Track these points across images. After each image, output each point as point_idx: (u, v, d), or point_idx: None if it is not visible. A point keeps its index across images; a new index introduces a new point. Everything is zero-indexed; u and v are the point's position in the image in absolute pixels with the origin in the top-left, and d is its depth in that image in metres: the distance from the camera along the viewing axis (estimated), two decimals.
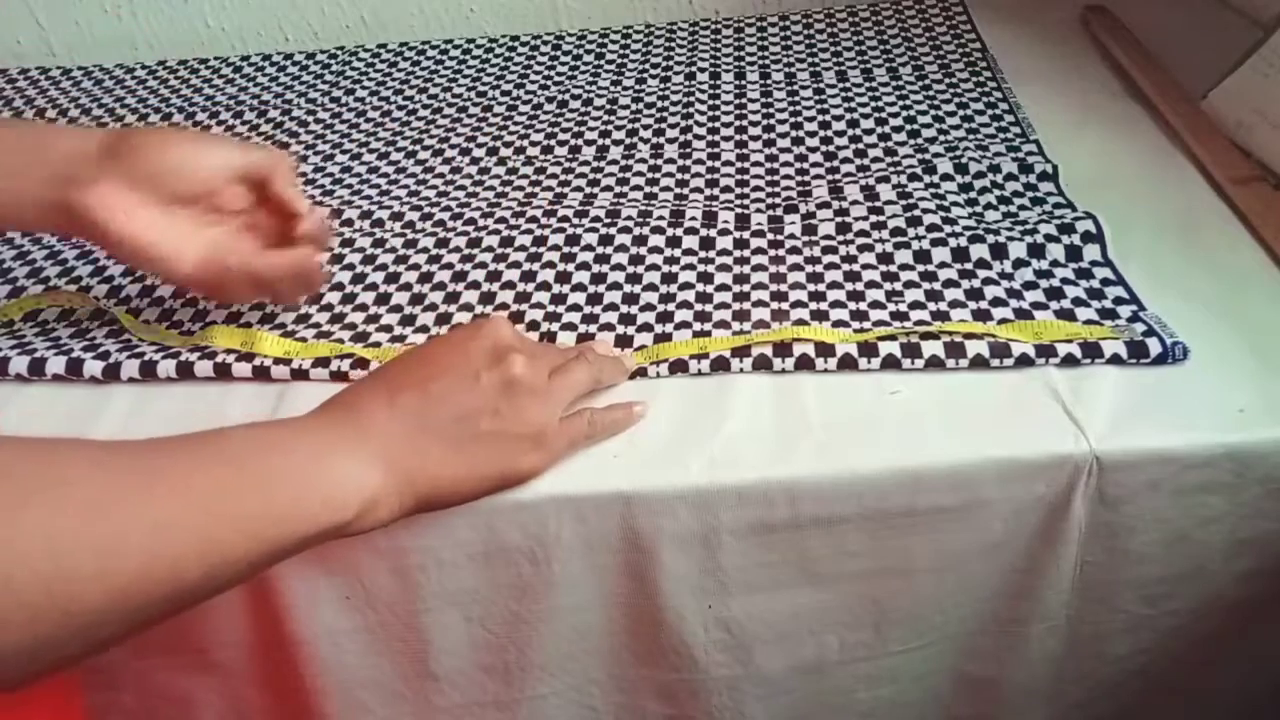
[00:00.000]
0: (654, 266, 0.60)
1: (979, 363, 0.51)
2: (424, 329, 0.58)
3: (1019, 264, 0.58)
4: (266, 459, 0.40)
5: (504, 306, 0.59)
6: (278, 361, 0.55)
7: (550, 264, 0.62)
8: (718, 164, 0.71)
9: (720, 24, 0.92)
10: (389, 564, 0.50)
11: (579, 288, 0.60)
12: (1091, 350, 0.51)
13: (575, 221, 0.65)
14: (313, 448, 0.41)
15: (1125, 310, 0.54)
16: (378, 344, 0.56)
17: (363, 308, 0.60)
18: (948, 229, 0.61)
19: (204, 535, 0.36)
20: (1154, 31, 0.81)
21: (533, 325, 0.57)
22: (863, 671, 0.56)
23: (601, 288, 0.59)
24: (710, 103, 0.79)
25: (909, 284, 0.57)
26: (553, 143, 0.76)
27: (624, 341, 0.55)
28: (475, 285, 0.61)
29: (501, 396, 0.45)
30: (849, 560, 0.51)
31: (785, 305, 0.56)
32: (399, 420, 0.43)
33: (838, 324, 0.54)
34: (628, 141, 0.75)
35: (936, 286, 0.57)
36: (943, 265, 0.58)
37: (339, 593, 0.51)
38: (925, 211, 0.62)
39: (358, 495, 0.41)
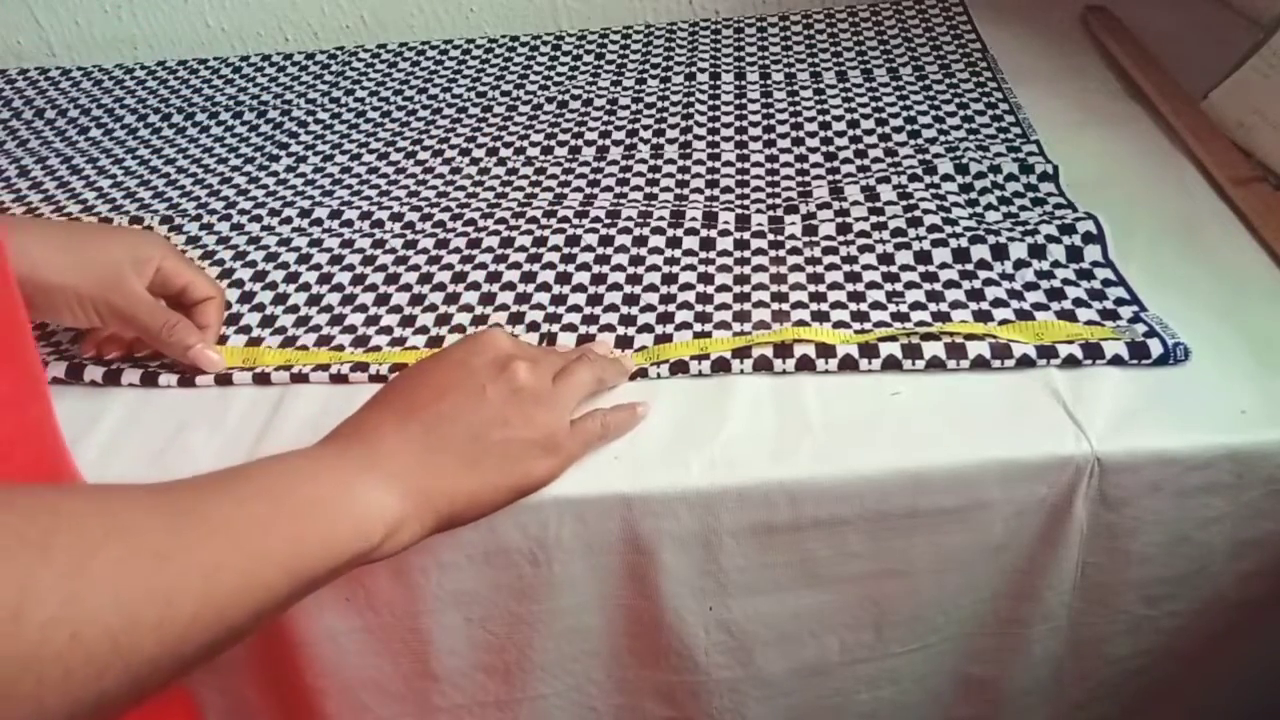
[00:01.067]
0: (654, 267, 0.60)
1: (980, 364, 0.51)
2: (424, 329, 0.58)
3: (1020, 265, 0.58)
4: (297, 491, 0.39)
5: (504, 307, 0.59)
6: (279, 368, 0.55)
7: (550, 265, 0.62)
8: (718, 164, 0.71)
9: (720, 24, 0.92)
10: (389, 565, 0.50)
11: (579, 288, 0.59)
12: (1093, 351, 0.51)
13: (575, 222, 0.65)
14: (336, 476, 0.41)
15: (1126, 311, 0.54)
16: (378, 348, 0.56)
17: (362, 309, 0.60)
18: (948, 229, 0.61)
19: (249, 575, 0.35)
20: (1154, 31, 0.81)
21: (533, 326, 0.57)
22: (864, 673, 0.56)
23: (602, 288, 0.59)
24: (710, 103, 0.79)
25: (910, 284, 0.57)
26: (553, 143, 0.75)
27: (624, 342, 0.55)
28: (475, 286, 0.61)
29: (509, 405, 0.45)
30: (850, 561, 0.51)
31: (785, 306, 0.56)
32: (412, 443, 0.43)
33: (838, 325, 0.54)
34: (628, 142, 0.75)
35: (937, 287, 0.57)
36: (944, 266, 0.58)
37: (340, 594, 0.51)
38: (926, 212, 0.62)
39: (382, 521, 0.40)
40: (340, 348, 0.56)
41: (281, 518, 0.37)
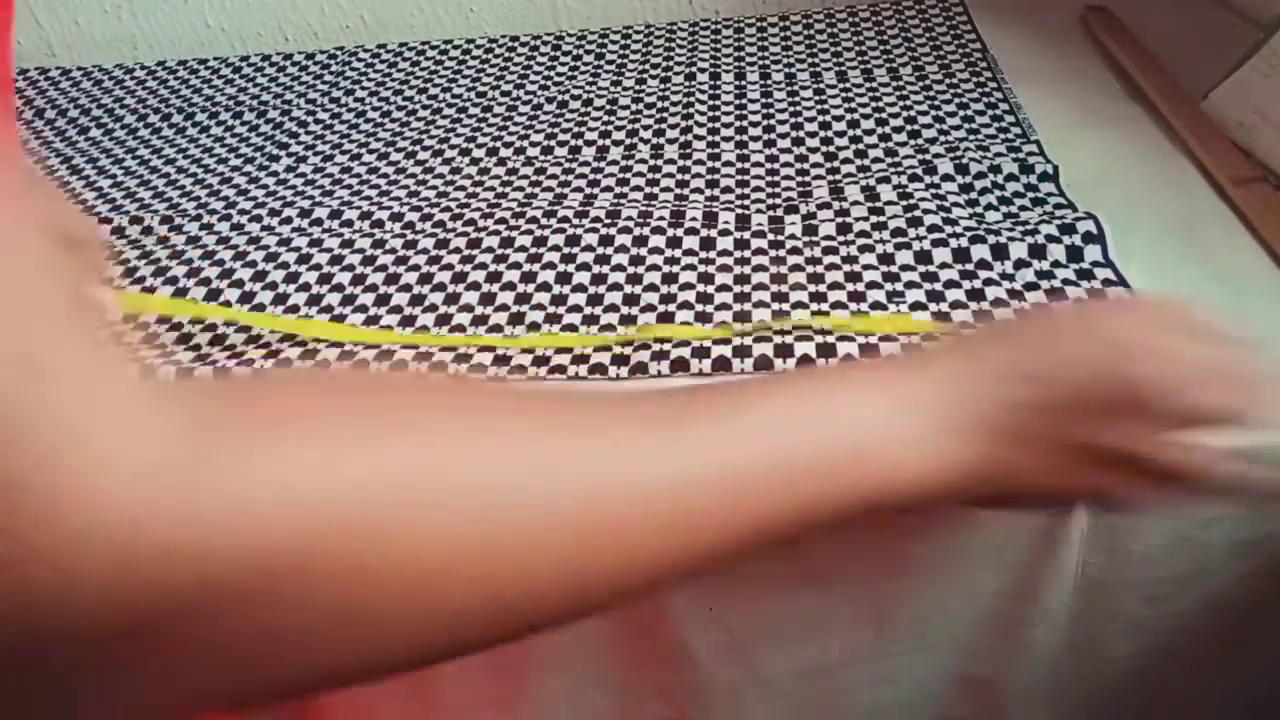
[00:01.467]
0: (654, 267, 0.60)
1: None
2: (424, 329, 0.58)
3: (1020, 265, 0.58)
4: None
5: (504, 308, 0.59)
6: (278, 365, 0.55)
7: (550, 265, 0.62)
8: (718, 164, 0.71)
9: (720, 24, 0.92)
10: None
11: (579, 288, 0.59)
12: None
13: (575, 222, 0.65)
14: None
15: None
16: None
17: (362, 309, 0.60)
18: (948, 229, 0.61)
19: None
20: (1154, 31, 0.81)
21: (533, 326, 0.57)
22: (864, 673, 0.56)
23: (602, 288, 0.59)
24: (710, 103, 0.79)
25: (910, 284, 0.57)
26: (552, 143, 0.75)
27: (624, 342, 0.55)
28: (475, 286, 0.61)
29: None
30: (850, 562, 0.51)
31: (786, 306, 0.56)
32: None
33: (839, 324, 0.54)
34: (628, 142, 0.75)
35: (937, 287, 0.57)
36: (944, 266, 0.58)
37: None
38: (926, 212, 0.62)
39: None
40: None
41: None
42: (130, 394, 0.22)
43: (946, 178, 0.66)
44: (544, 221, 0.66)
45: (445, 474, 0.24)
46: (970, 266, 0.58)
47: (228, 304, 0.62)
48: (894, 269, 0.59)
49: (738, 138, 0.74)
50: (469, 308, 0.59)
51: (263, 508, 0.22)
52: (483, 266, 0.62)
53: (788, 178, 0.69)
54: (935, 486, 0.33)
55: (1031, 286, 0.56)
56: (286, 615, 0.22)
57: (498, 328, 0.57)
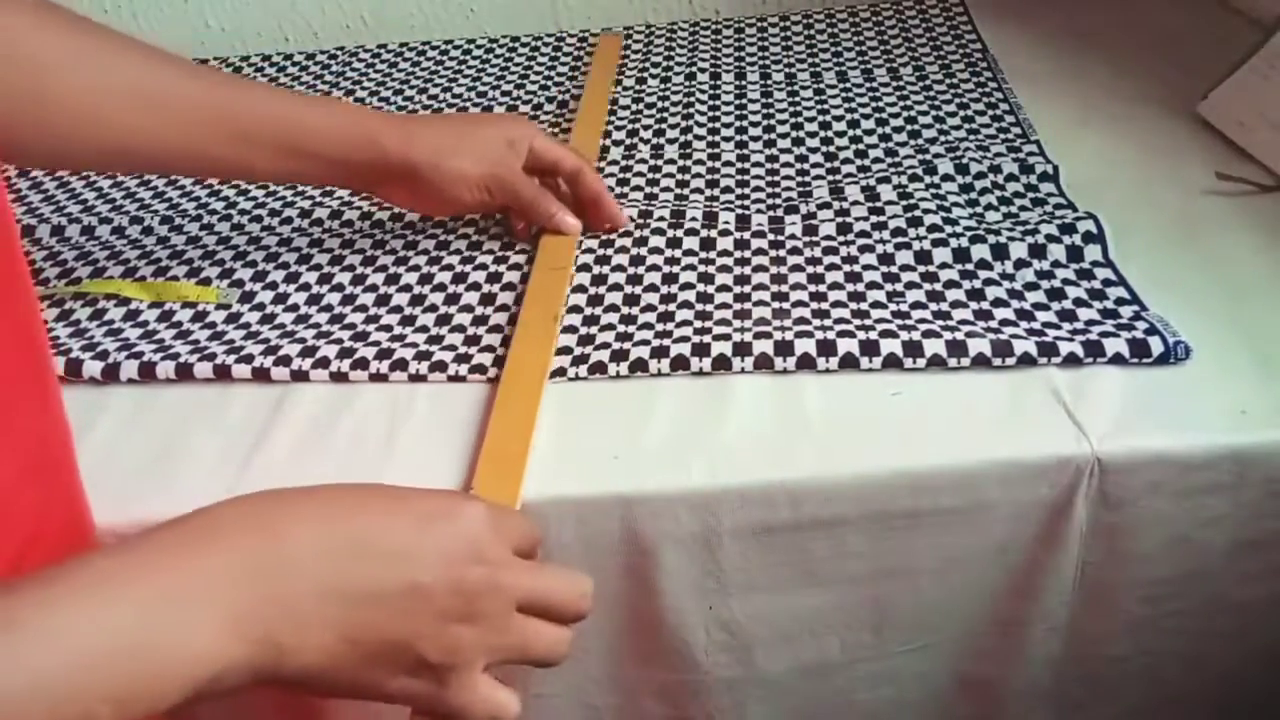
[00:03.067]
0: (654, 267, 0.60)
1: (980, 362, 0.51)
2: (424, 329, 0.58)
3: (1020, 264, 0.58)
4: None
5: (504, 308, 0.59)
6: (278, 363, 0.55)
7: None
8: (718, 164, 0.71)
9: (720, 24, 0.92)
10: None
11: (579, 289, 0.59)
12: (1094, 349, 0.51)
13: None
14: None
15: (1127, 311, 0.54)
16: (377, 342, 0.56)
17: (363, 309, 0.60)
18: (948, 229, 0.61)
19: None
20: (1154, 31, 0.81)
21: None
22: (864, 672, 0.56)
23: (602, 289, 0.59)
24: (710, 103, 0.79)
25: (910, 284, 0.57)
26: None
27: (624, 337, 0.55)
28: (475, 287, 0.61)
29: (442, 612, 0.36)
30: (850, 561, 0.51)
31: (786, 305, 0.56)
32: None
33: (839, 321, 0.54)
34: (628, 142, 0.75)
35: (937, 287, 0.57)
36: (944, 266, 0.58)
37: None
38: (926, 212, 0.62)
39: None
40: (334, 337, 0.56)
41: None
42: None
43: (946, 178, 0.66)
44: None
45: None
46: (970, 266, 0.58)
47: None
48: (894, 269, 0.59)
49: (738, 138, 0.74)
50: (469, 308, 0.59)
51: None
52: (483, 268, 0.62)
53: (788, 178, 0.69)
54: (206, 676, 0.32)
55: (1031, 286, 0.56)
56: None
57: (498, 329, 0.57)
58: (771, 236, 0.62)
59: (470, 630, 0.36)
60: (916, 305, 0.56)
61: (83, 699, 0.29)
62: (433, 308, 0.59)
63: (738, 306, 0.56)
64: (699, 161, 0.72)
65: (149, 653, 0.30)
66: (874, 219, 0.63)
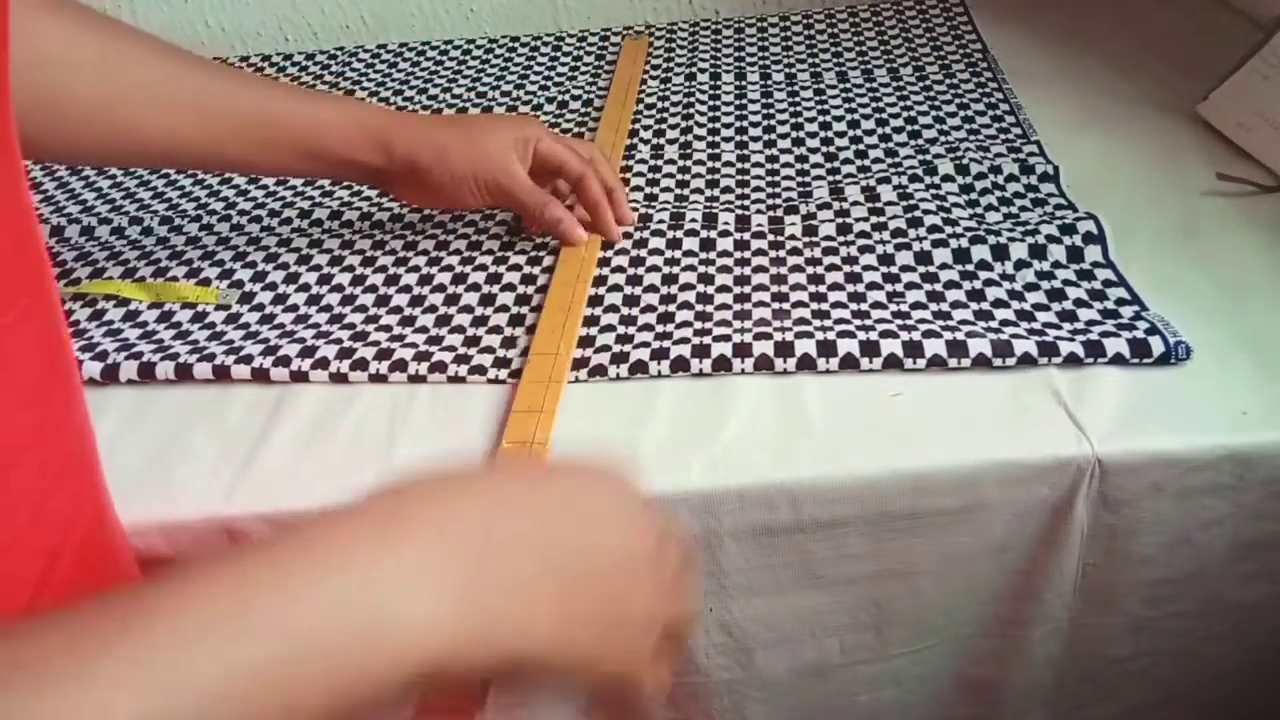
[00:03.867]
0: (654, 268, 0.60)
1: (981, 362, 0.51)
2: (423, 330, 0.58)
3: (1020, 265, 0.58)
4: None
5: (504, 309, 0.59)
6: (277, 364, 0.55)
7: (550, 268, 0.62)
8: (718, 164, 0.71)
9: (720, 24, 0.92)
10: None
11: None
12: (1094, 349, 0.51)
13: None
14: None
15: (1127, 311, 0.54)
16: (376, 342, 0.56)
17: (362, 309, 0.60)
18: (949, 230, 0.61)
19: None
20: (1154, 31, 0.81)
21: (532, 329, 0.57)
22: (864, 674, 0.56)
23: (602, 289, 0.59)
24: (710, 103, 0.79)
25: (910, 285, 0.57)
26: None
27: (625, 339, 0.55)
28: (475, 288, 0.61)
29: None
30: (851, 563, 0.51)
31: (786, 305, 0.56)
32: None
33: (839, 321, 0.54)
34: (628, 142, 0.75)
35: (938, 287, 0.57)
36: (944, 266, 0.58)
37: None
38: (926, 212, 0.62)
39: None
40: (337, 340, 0.56)
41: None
42: None
43: (947, 178, 0.66)
44: None
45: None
46: (970, 267, 0.58)
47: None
48: (894, 269, 0.58)
49: (738, 138, 0.74)
50: (469, 309, 0.59)
51: None
52: (483, 268, 0.62)
53: (788, 178, 0.69)
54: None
55: (1032, 287, 0.56)
56: None
57: (497, 329, 0.57)
58: (771, 237, 0.62)
59: (659, 597, 0.35)
60: (917, 306, 0.55)
61: (312, 688, 0.27)
62: (432, 308, 0.59)
63: (738, 307, 0.56)
64: (699, 162, 0.72)
65: (379, 637, 0.28)
66: (874, 219, 0.63)
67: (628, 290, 0.59)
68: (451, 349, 0.56)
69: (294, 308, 0.61)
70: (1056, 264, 0.57)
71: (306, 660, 0.27)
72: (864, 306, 0.56)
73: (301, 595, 0.28)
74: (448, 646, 0.29)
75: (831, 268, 0.59)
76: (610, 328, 0.56)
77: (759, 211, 0.65)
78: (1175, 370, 0.51)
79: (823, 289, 0.57)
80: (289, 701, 0.27)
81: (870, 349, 0.52)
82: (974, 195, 0.64)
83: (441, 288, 0.61)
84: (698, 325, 0.55)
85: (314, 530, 0.30)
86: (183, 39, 0.96)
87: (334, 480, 0.49)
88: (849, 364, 0.52)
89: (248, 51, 0.96)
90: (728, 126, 0.75)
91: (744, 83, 0.81)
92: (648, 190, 0.69)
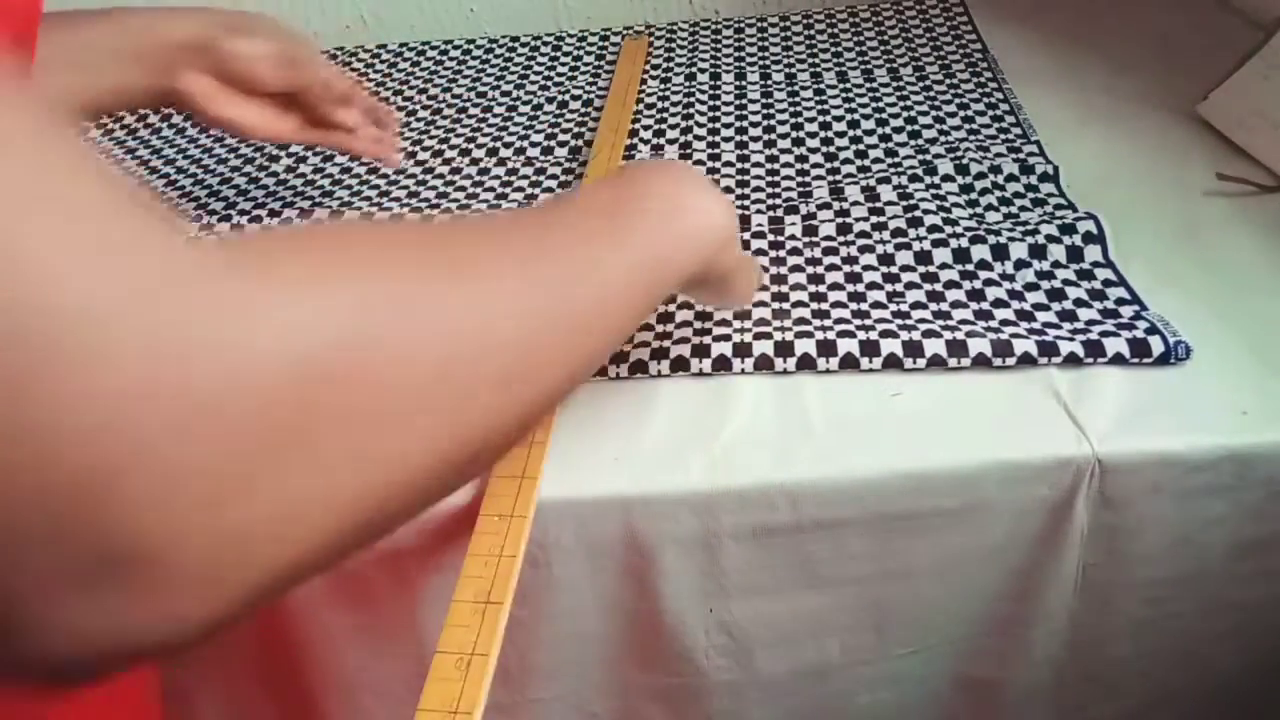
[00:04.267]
0: None
1: (981, 361, 0.51)
2: None
3: (1020, 265, 0.57)
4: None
5: None
6: None
7: None
8: (718, 165, 0.71)
9: (720, 24, 0.92)
10: (390, 567, 0.50)
11: None
12: (1094, 349, 0.51)
13: None
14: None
15: (1127, 311, 0.54)
16: None
17: None
18: (948, 230, 0.60)
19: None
20: (1154, 31, 0.81)
21: None
22: (864, 675, 0.56)
23: None
24: (710, 103, 0.79)
25: (910, 285, 0.57)
26: (553, 143, 0.75)
27: (624, 340, 0.55)
28: None
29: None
30: (851, 563, 0.51)
31: (786, 305, 0.56)
32: None
33: (839, 321, 0.54)
34: (628, 142, 0.75)
35: (938, 287, 0.57)
36: (944, 266, 0.58)
37: (340, 596, 0.51)
38: (926, 212, 0.62)
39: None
40: None
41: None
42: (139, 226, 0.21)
43: (947, 178, 0.66)
44: None
45: (502, 292, 0.29)
46: (970, 267, 0.58)
47: None
48: (894, 269, 0.58)
49: (738, 138, 0.74)
50: None
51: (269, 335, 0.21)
52: None
53: (788, 178, 0.69)
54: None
55: (1032, 287, 0.56)
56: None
57: None
58: (771, 237, 0.62)
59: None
60: (916, 305, 0.55)
61: (653, 289, 0.39)
62: None
63: (737, 307, 0.56)
64: (699, 162, 0.71)
65: (688, 239, 0.41)
66: (874, 219, 0.63)
67: None
68: None
69: None
70: (1056, 264, 0.57)
71: (649, 264, 0.37)
72: (864, 306, 0.56)
73: (637, 223, 0.38)
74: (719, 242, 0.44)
75: (831, 268, 0.59)
76: None
77: (759, 211, 0.65)
78: (1175, 370, 0.51)
79: (823, 289, 0.57)
80: (641, 301, 0.37)
81: (870, 349, 0.52)
82: (974, 195, 0.64)
83: None
84: (697, 325, 0.55)
85: (613, 190, 0.41)
86: None
87: None
88: (849, 364, 0.52)
89: None
90: (727, 126, 0.75)
91: (744, 83, 0.81)
92: None
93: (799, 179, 0.68)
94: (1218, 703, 0.60)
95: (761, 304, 0.56)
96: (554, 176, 0.71)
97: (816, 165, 0.70)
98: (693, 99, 0.80)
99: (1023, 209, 0.62)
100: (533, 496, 0.47)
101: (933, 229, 0.61)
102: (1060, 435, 0.48)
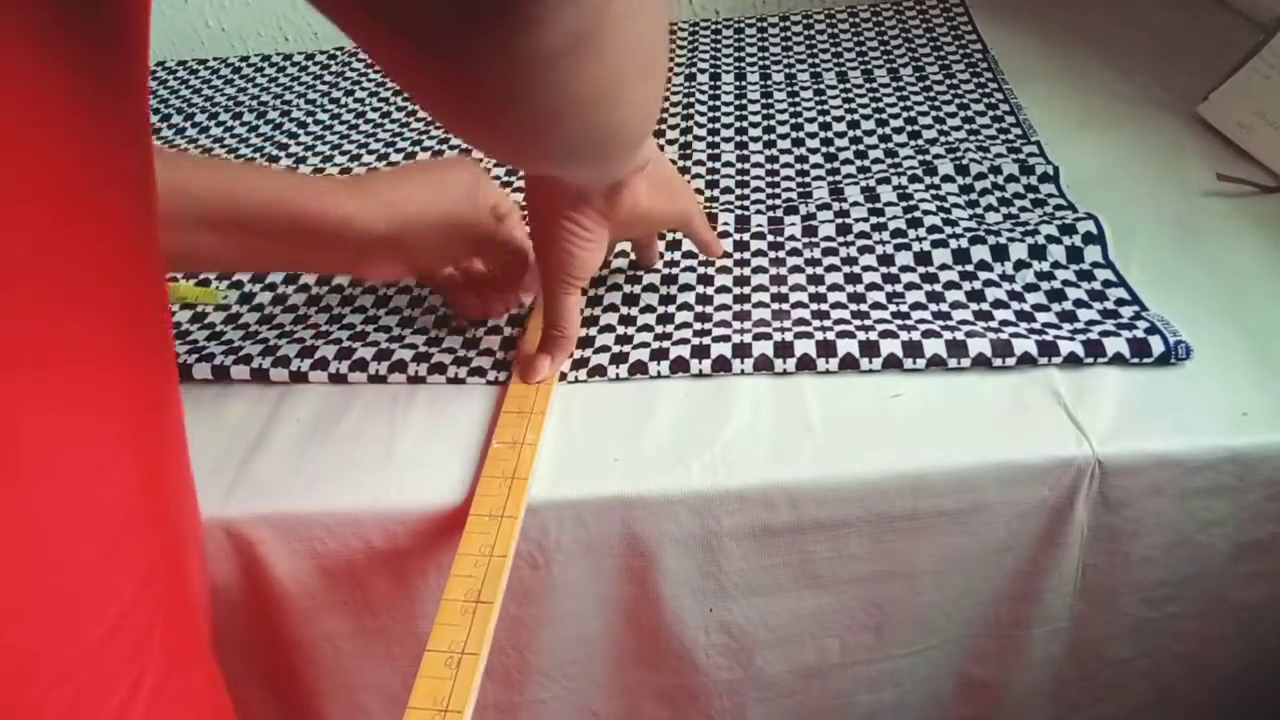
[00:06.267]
0: (654, 268, 0.60)
1: (981, 362, 0.51)
2: (423, 330, 0.58)
3: (1020, 265, 0.57)
4: None
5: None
6: (277, 364, 0.55)
7: None
8: (718, 165, 0.71)
9: (720, 24, 0.92)
10: (388, 568, 0.50)
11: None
12: (1094, 349, 0.51)
13: None
14: None
15: (1127, 311, 0.54)
16: (389, 351, 0.56)
17: (361, 310, 0.60)
18: (948, 230, 0.60)
19: None
20: (1154, 31, 0.81)
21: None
22: (864, 674, 0.56)
23: (601, 290, 0.59)
24: (710, 103, 0.79)
25: (910, 285, 0.57)
26: None
27: (624, 340, 0.55)
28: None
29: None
30: (850, 563, 0.51)
31: (785, 306, 0.56)
32: None
33: (839, 322, 0.54)
34: None
35: (937, 288, 0.57)
36: (944, 267, 0.58)
37: (338, 596, 0.51)
38: (926, 213, 0.62)
39: None
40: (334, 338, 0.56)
41: None
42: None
43: (947, 178, 0.66)
44: None
45: None
46: (970, 267, 0.58)
47: (226, 307, 0.62)
48: (894, 269, 0.58)
49: (738, 138, 0.74)
50: None
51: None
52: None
53: (787, 178, 0.69)
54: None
55: (1032, 287, 0.56)
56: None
57: (496, 330, 0.57)
58: (771, 237, 0.62)
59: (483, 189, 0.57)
60: (916, 306, 0.55)
61: None
62: (432, 309, 0.59)
63: (737, 308, 0.56)
64: (699, 162, 0.71)
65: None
66: (874, 220, 0.63)
67: (627, 290, 0.59)
68: (451, 350, 0.56)
69: (294, 308, 0.61)
70: (1056, 264, 0.57)
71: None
72: (864, 307, 0.56)
73: None
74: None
75: (831, 268, 0.59)
76: (610, 328, 0.56)
77: (759, 212, 0.65)
78: (1175, 370, 0.51)
79: (822, 289, 0.57)
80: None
81: (870, 349, 0.52)
82: (974, 196, 0.64)
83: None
84: (697, 325, 0.55)
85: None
86: (183, 39, 0.96)
87: (333, 480, 0.49)
88: (849, 364, 0.52)
89: (248, 51, 0.96)
90: (727, 127, 0.75)
91: (744, 83, 0.81)
92: None
93: (799, 179, 0.68)
94: (1218, 703, 0.60)
95: (761, 304, 0.56)
96: None
97: (816, 165, 0.70)
98: (692, 99, 0.80)
99: (1023, 209, 0.62)
100: (523, 497, 0.47)
101: (933, 229, 0.61)
102: (1060, 436, 0.48)
